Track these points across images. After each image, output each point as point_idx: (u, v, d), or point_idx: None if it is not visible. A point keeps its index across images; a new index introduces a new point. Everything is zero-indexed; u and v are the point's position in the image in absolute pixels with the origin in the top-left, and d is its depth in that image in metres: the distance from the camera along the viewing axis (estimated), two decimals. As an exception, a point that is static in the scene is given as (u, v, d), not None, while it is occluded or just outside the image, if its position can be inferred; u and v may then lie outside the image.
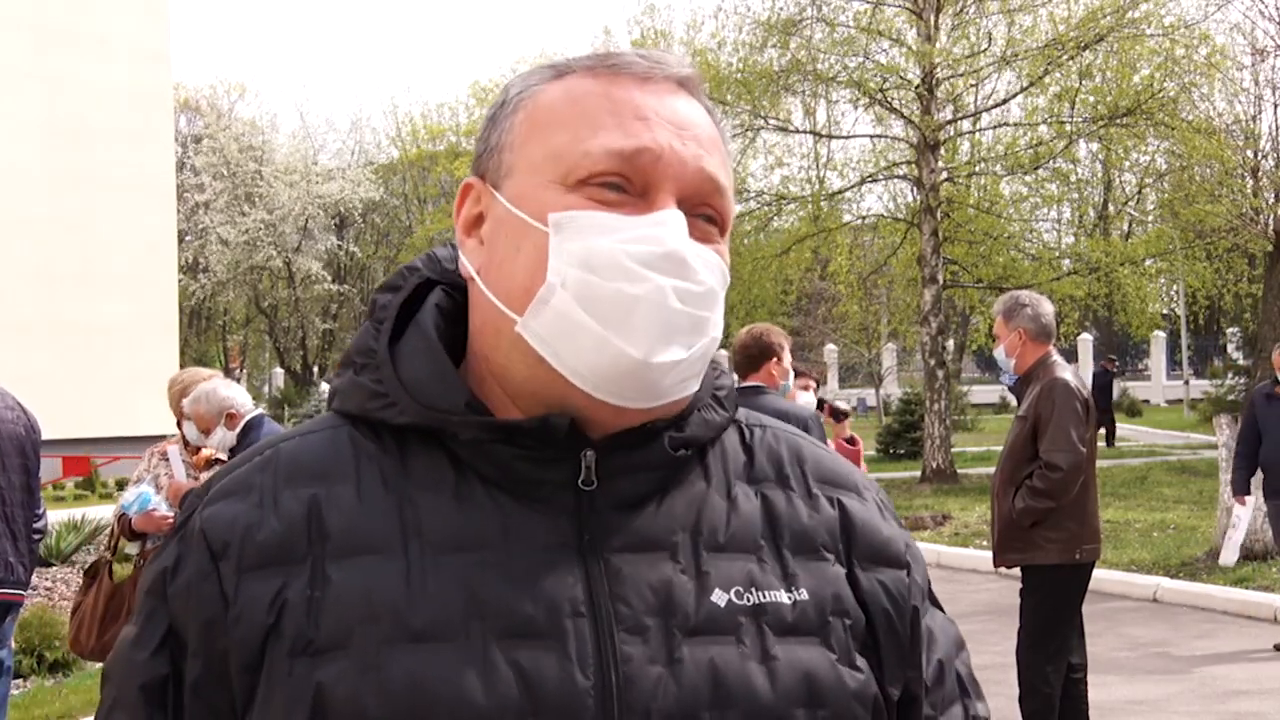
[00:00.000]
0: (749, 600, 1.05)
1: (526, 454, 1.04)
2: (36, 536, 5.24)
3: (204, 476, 5.33)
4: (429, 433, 1.06)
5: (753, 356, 5.41)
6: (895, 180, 24.95)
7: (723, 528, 1.08)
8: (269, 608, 0.99)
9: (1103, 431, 23.81)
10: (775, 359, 5.45)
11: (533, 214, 1.04)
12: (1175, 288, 31.11)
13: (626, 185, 1.03)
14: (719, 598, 1.04)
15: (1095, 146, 22.34)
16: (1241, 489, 8.54)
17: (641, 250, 1.01)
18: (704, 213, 1.06)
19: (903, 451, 23.07)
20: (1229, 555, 9.49)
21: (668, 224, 1.02)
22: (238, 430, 5.25)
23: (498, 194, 1.08)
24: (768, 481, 1.14)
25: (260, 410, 5.48)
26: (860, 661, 1.08)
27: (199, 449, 5.40)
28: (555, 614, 0.99)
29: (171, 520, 5.02)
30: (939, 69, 19.55)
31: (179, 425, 5.50)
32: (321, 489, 1.04)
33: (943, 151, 20.43)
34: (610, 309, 1.00)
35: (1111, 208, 39.75)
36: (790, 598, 1.06)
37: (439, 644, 0.97)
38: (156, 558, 1.08)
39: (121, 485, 14.89)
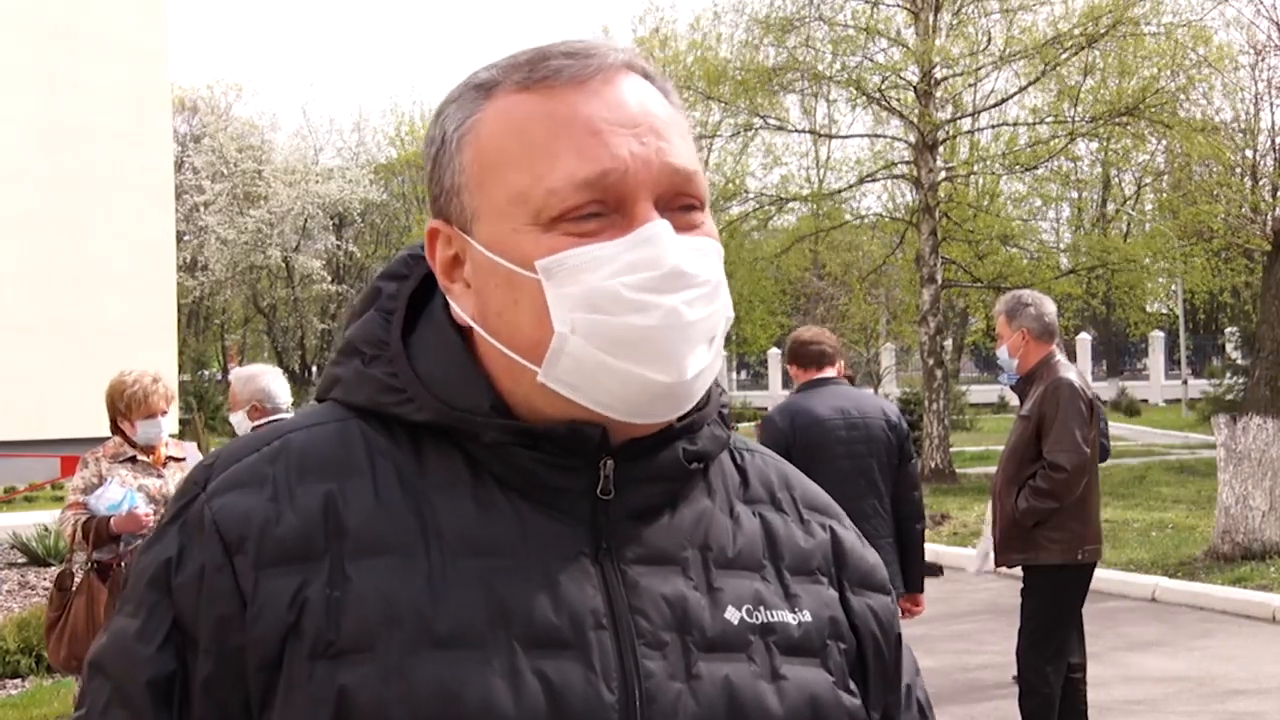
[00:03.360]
0: (758, 619, 1.05)
1: (547, 459, 1.02)
2: None
3: (167, 474, 5.29)
4: (444, 431, 1.03)
5: (829, 352, 5.36)
6: (894, 180, 24.96)
7: (730, 544, 1.08)
8: (289, 606, 0.96)
9: None
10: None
11: (517, 262, 1.00)
12: (1174, 287, 31.11)
13: (601, 208, 0.99)
14: (731, 615, 1.04)
15: (1095, 146, 22.35)
16: None
17: (641, 278, 0.97)
18: (682, 203, 1.02)
19: (901, 451, 23.03)
20: (978, 564, 6.71)
21: (656, 238, 0.99)
22: (255, 424, 5.25)
23: (471, 240, 1.03)
24: (763, 503, 1.14)
25: (289, 415, 5.41)
26: (853, 685, 1.09)
27: (152, 448, 5.33)
28: (579, 625, 0.98)
29: (150, 517, 4.98)
30: (937, 68, 19.56)
31: (114, 426, 5.32)
32: (335, 484, 1.01)
33: (941, 151, 20.45)
34: (628, 343, 0.98)
35: (1111, 207, 39.78)
36: (795, 618, 1.07)
37: (465, 651, 0.95)
38: (153, 545, 1.03)
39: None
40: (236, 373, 5.51)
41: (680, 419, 1.05)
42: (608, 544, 1.02)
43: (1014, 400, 5.71)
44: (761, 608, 1.05)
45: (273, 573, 0.97)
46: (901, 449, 5.21)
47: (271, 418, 5.26)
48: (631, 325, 0.97)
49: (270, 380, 5.36)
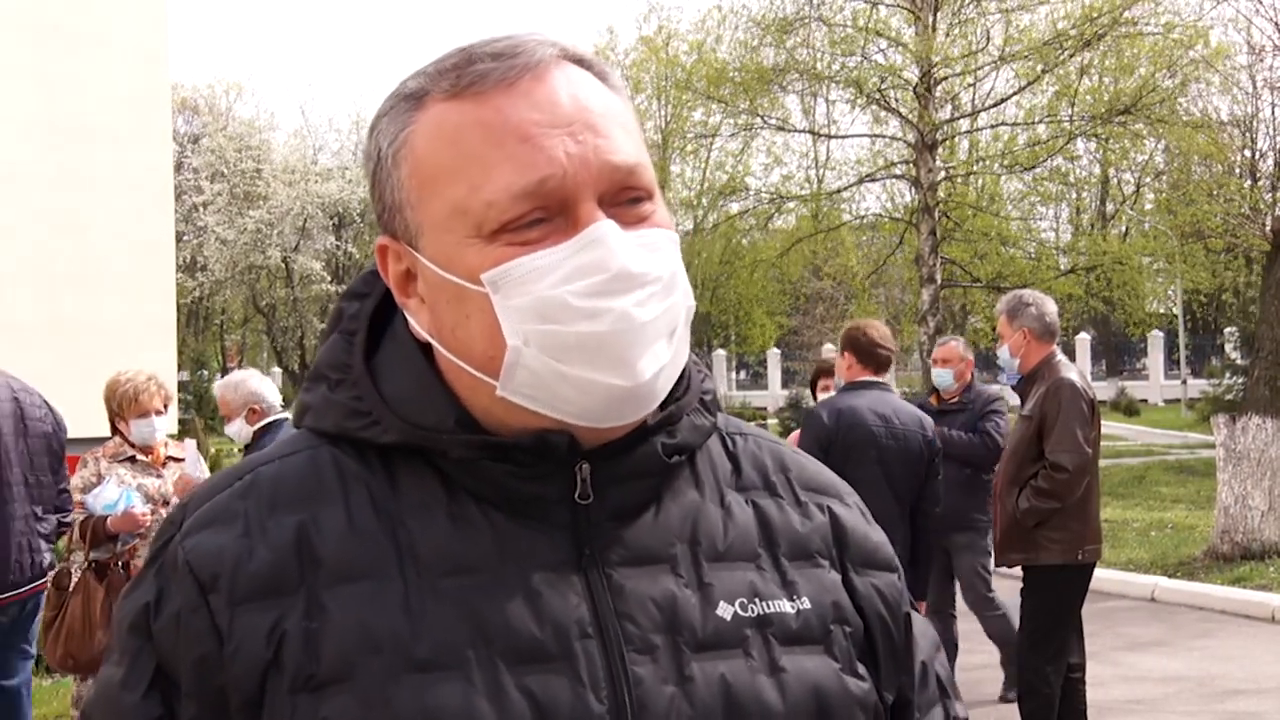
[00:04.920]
0: (753, 612, 1.03)
1: (520, 470, 1.00)
2: (62, 528, 5.30)
3: (166, 474, 5.30)
4: (415, 451, 1.02)
5: (891, 358, 5.32)
6: (893, 180, 24.97)
7: (720, 536, 1.05)
8: (267, 641, 0.95)
9: None
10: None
11: (463, 276, 0.98)
12: (1173, 287, 31.12)
13: (544, 214, 0.96)
14: (724, 611, 1.02)
15: (1093, 145, 22.37)
16: None
17: (588, 283, 0.95)
18: (629, 196, 0.99)
19: (901, 450, 23.00)
20: None
21: (601, 240, 0.96)
22: (256, 427, 5.26)
23: (419, 256, 1.02)
24: (756, 489, 1.11)
25: (285, 414, 5.43)
26: (861, 669, 1.07)
27: (150, 448, 5.32)
28: (564, 636, 0.97)
29: (147, 517, 5.00)
30: (937, 68, 19.58)
31: (113, 426, 5.33)
32: (308, 514, 1.00)
33: (941, 151, 20.46)
34: (582, 351, 0.96)
35: (1110, 206, 39.79)
36: (793, 607, 1.04)
37: (446, 673, 0.94)
38: (133, 591, 1.02)
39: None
40: (222, 384, 5.49)
41: (657, 410, 1.03)
42: (590, 549, 1.00)
43: (1014, 400, 5.71)
44: (757, 599, 1.03)
45: (248, 609, 0.96)
46: (931, 464, 5.20)
47: (271, 418, 5.28)
48: (583, 333, 0.95)
49: (258, 382, 5.39)
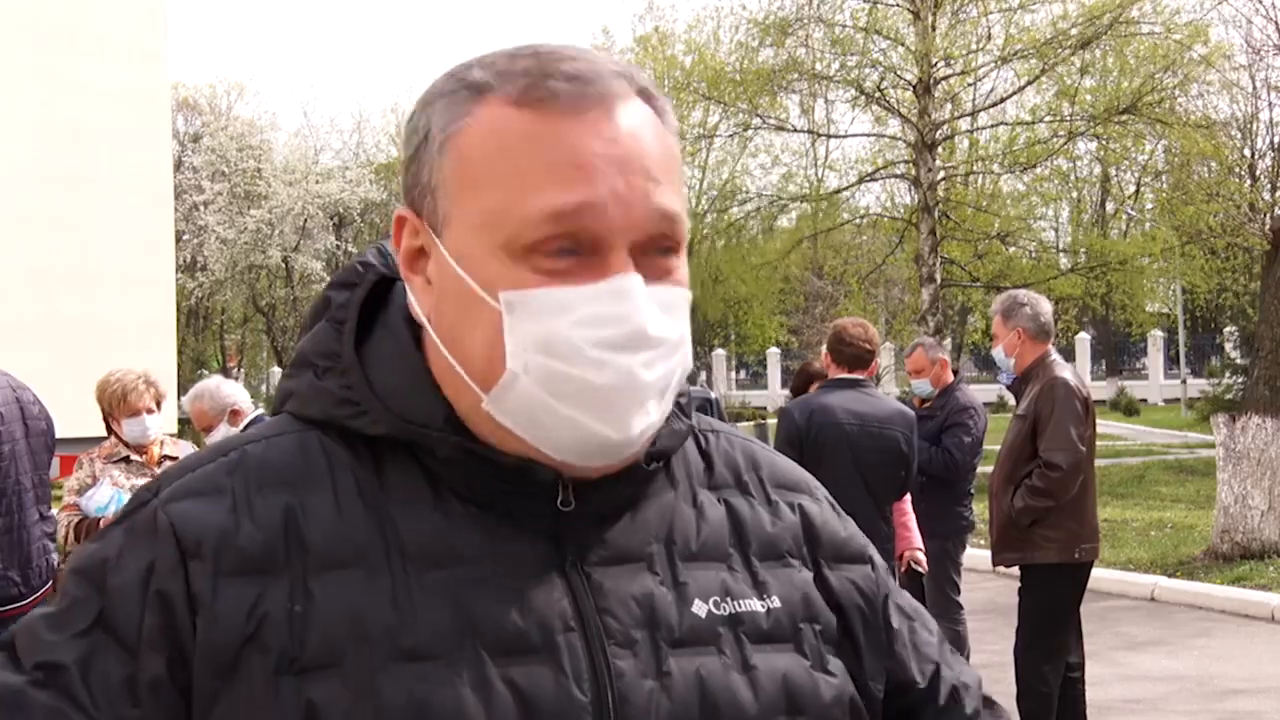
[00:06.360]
0: (726, 610, 1.05)
1: (503, 479, 1.02)
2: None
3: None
4: (402, 444, 1.03)
5: (867, 356, 5.32)
6: (893, 179, 24.97)
7: (694, 536, 1.07)
8: (248, 617, 0.95)
9: None
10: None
11: (482, 284, 0.98)
12: (1173, 287, 31.15)
13: (574, 245, 0.96)
14: (699, 608, 1.03)
15: (1094, 145, 22.36)
16: None
17: (604, 334, 0.95)
18: (661, 245, 0.99)
19: (900, 450, 22.99)
20: None
21: (627, 293, 0.96)
22: (240, 427, 5.27)
23: (439, 243, 1.01)
24: (728, 488, 1.13)
25: (261, 410, 5.46)
26: (834, 665, 1.09)
27: (144, 448, 5.29)
28: (548, 630, 0.98)
29: None
30: (937, 68, 19.58)
31: (108, 426, 5.30)
32: (295, 497, 1.00)
33: (940, 150, 20.46)
34: (579, 395, 0.96)
35: (1110, 206, 39.79)
36: (764, 606, 1.06)
37: (433, 663, 0.95)
38: (94, 543, 1.01)
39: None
40: (192, 398, 5.48)
41: None
42: (571, 549, 1.02)
43: (1013, 400, 5.72)
44: (729, 598, 1.05)
45: (232, 582, 0.96)
46: (908, 465, 5.20)
47: (252, 415, 5.30)
48: (585, 379, 0.96)
49: (231, 387, 5.45)
